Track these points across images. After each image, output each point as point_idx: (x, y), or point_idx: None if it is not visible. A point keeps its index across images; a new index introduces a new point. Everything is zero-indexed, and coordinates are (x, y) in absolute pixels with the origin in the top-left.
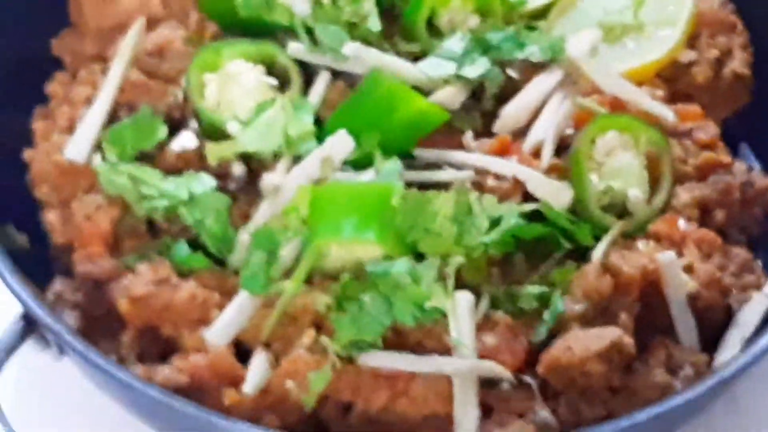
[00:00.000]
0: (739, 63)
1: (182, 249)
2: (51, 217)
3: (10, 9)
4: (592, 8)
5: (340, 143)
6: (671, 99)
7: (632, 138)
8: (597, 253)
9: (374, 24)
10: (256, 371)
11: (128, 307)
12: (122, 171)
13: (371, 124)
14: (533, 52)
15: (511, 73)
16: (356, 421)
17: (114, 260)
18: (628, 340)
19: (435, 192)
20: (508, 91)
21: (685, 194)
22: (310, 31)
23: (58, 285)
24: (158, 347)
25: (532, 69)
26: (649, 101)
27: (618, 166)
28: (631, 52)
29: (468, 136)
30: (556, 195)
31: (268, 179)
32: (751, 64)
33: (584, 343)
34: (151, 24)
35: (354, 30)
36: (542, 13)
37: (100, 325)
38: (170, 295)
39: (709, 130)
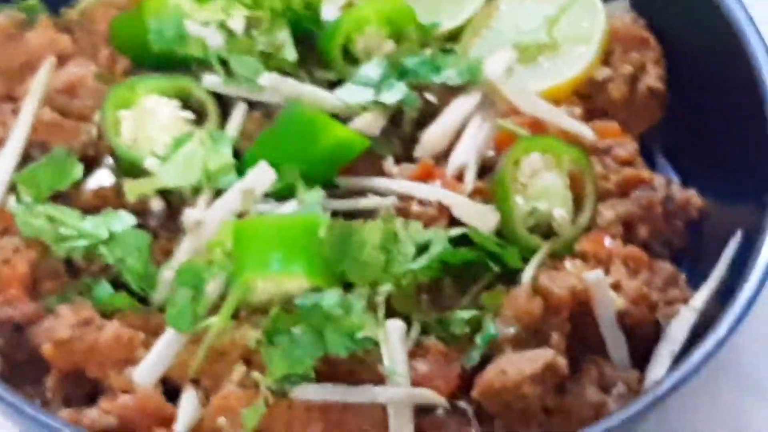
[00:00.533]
0: (653, 78)
1: (104, 289)
2: None
3: None
4: (505, 28)
5: (261, 175)
6: (588, 116)
7: (554, 158)
8: (526, 276)
9: (290, 53)
10: (187, 409)
11: (52, 351)
12: (39, 212)
13: (292, 155)
14: (450, 75)
15: (429, 97)
16: None
17: (34, 303)
18: (562, 361)
19: (361, 221)
20: (427, 115)
21: (608, 211)
22: (224, 63)
23: None
24: (84, 389)
25: (450, 92)
26: (568, 120)
27: (542, 187)
28: (547, 71)
29: (389, 162)
30: (482, 218)
31: (189, 214)
32: (665, 79)
33: (518, 365)
34: (61, 61)
35: (269, 60)
36: (455, 35)
37: (22, 370)
38: (94, 337)
39: (627, 147)
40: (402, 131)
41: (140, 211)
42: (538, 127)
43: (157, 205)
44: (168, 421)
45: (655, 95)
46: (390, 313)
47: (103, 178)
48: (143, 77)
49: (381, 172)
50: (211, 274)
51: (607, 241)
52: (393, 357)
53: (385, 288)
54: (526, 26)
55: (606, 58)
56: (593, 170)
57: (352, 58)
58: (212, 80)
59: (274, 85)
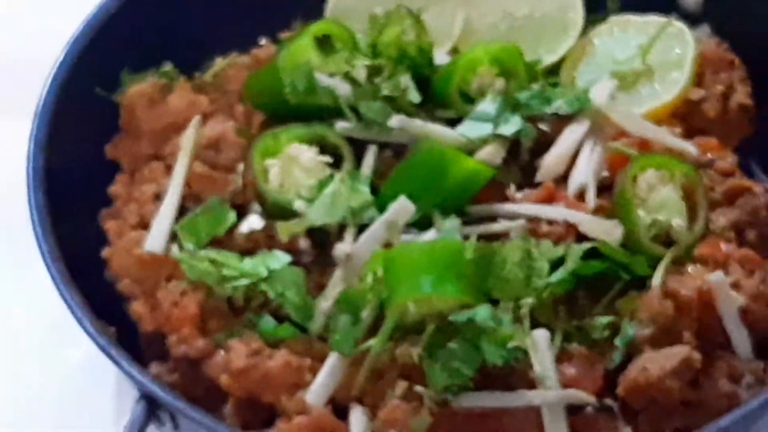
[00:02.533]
0: (742, 95)
1: (269, 322)
2: (138, 308)
3: (63, 121)
4: (602, 60)
5: (402, 208)
6: (688, 134)
7: (668, 173)
8: (656, 280)
9: (413, 96)
10: (358, 425)
11: (230, 380)
12: (201, 257)
13: (426, 187)
14: (560, 105)
15: (543, 126)
16: None
17: (205, 340)
18: (697, 356)
19: (500, 243)
20: (542, 143)
21: (720, 219)
22: (353, 109)
23: (154, 368)
24: (260, 415)
25: (561, 121)
26: (673, 138)
27: (660, 200)
28: (646, 96)
29: (512, 189)
30: (608, 232)
31: (340, 248)
32: (751, 95)
33: (658, 362)
34: (202, 120)
35: (392, 103)
36: (554, 69)
37: (198, 402)
38: (266, 365)
39: (728, 159)
40: (520, 160)
41: (290, 249)
42: (645, 146)
43: (304, 243)
44: None
45: (745, 111)
46: (533, 324)
47: (254, 222)
48: (285, 128)
49: (505, 199)
50: (366, 301)
51: (723, 246)
52: (542, 363)
53: (527, 301)
54: (620, 56)
55: (698, 80)
56: (703, 182)
57: (467, 97)
58: (344, 126)
59: (402, 126)
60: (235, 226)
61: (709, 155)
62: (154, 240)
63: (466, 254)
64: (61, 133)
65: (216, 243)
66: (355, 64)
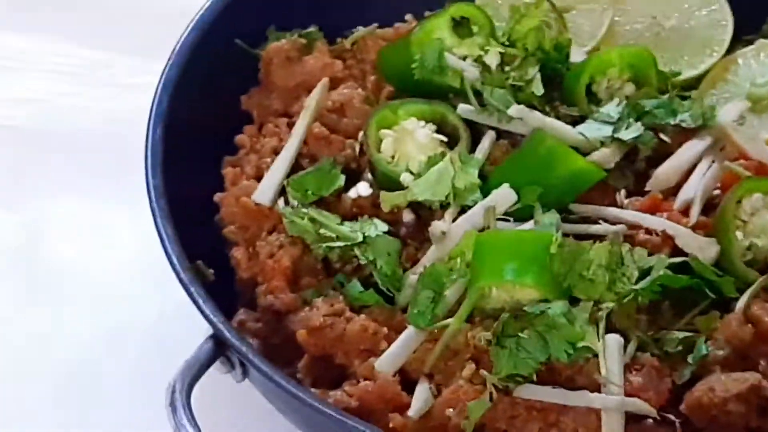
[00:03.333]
0: None
1: (356, 286)
2: (237, 254)
3: (206, 70)
4: (741, 81)
5: (504, 196)
6: None
7: None
8: (740, 304)
9: (537, 88)
10: (420, 398)
11: (306, 336)
12: (304, 214)
13: (532, 179)
14: (685, 118)
15: (663, 137)
16: None
17: (293, 295)
18: (767, 384)
19: (590, 242)
20: (660, 153)
21: None
22: (477, 94)
23: (241, 315)
24: (330, 375)
25: (683, 134)
26: None
27: (761, 225)
28: None
29: (621, 194)
30: (703, 249)
31: (436, 226)
32: None
33: (726, 385)
34: (334, 83)
35: (518, 93)
36: (694, 84)
37: (277, 353)
38: (344, 327)
39: None
40: (635, 167)
41: (392, 221)
42: (763, 171)
43: (407, 216)
44: (402, 408)
45: None
46: (610, 328)
47: (362, 189)
48: (405, 101)
49: (613, 203)
50: (450, 280)
51: None
52: (610, 367)
53: (607, 305)
54: (761, 80)
55: None
56: None
57: (594, 98)
58: (466, 108)
59: (521, 116)
60: (344, 190)
61: None
62: (263, 192)
63: (551, 248)
64: (191, 77)
65: (323, 204)
66: (488, 49)
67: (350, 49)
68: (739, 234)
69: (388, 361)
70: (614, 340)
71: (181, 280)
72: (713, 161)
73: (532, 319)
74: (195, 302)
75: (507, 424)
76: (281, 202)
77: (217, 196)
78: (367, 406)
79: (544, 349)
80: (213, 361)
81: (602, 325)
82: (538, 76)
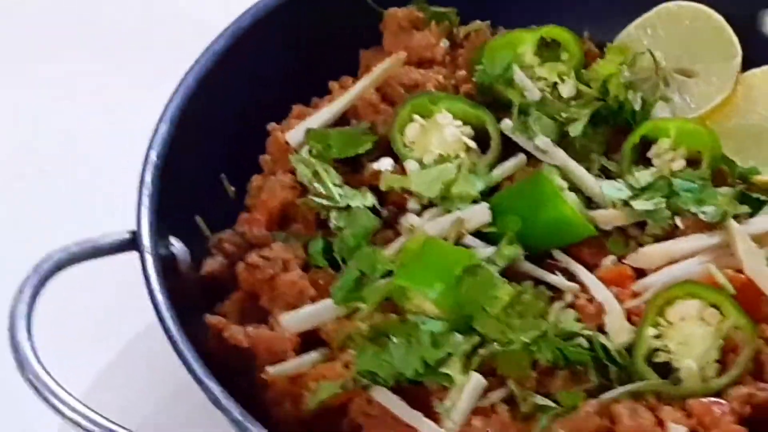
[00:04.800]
0: None
1: (318, 244)
2: (255, 182)
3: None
4: None
5: (478, 213)
6: None
7: (719, 316)
8: (607, 395)
9: (574, 130)
10: (295, 363)
11: (242, 269)
12: (310, 163)
13: (517, 212)
14: (707, 210)
15: (678, 221)
16: None
17: (266, 232)
18: None
19: (505, 281)
20: (665, 234)
21: (742, 389)
22: (523, 112)
23: (225, 234)
24: (256, 316)
25: (697, 224)
26: None
27: (683, 336)
28: None
29: (607, 261)
30: (618, 333)
31: (408, 218)
32: None
33: None
34: (428, 65)
35: (564, 128)
36: None
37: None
38: (277, 274)
39: None
40: (640, 239)
41: (397, 203)
42: (747, 292)
43: (413, 204)
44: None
45: None
46: (487, 370)
47: (384, 163)
48: (450, 96)
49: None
50: (382, 267)
51: (717, 410)
52: (458, 403)
53: (495, 346)
54: None
55: None
56: (757, 348)
57: (647, 162)
58: (507, 124)
59: (547, 149)
60: (371, 158)
61: None
62: (296, 133)
63: (455, 268)
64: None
65: (349, 165)
66: (565, 79)
67: (460, 39)
68: (651, 331)
69: (294, 320)
70: (476, 379)
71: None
72: (705, 262)
73: (410, 329)
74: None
75: (363, 421)
76: (306, 148)
77: (271, 126)
78: (255, 352)
79: (403, 359)
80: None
81: (475, 361)
82: (585, 119)
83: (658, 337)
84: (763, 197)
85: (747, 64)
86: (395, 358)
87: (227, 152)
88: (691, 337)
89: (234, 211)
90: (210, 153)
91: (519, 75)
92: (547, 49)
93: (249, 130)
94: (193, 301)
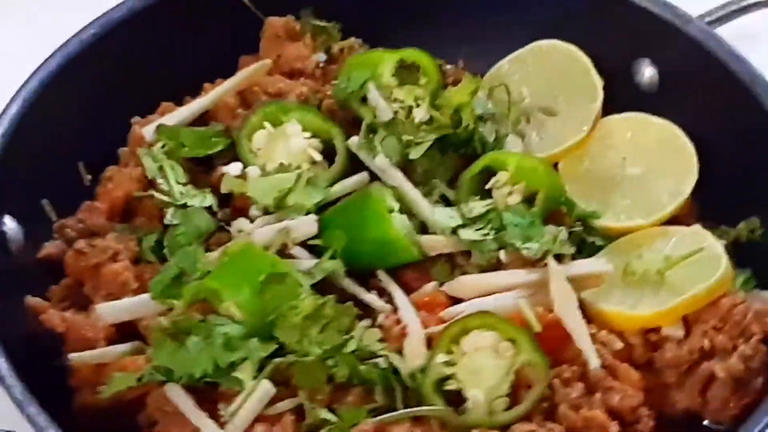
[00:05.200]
0: (725, 369)
1: (150, 240)
2: (108, 173)
3: None
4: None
5: (305, 225)
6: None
7: (512, 350)
8: (388, 416)
9: (415, 153)
10: (99, 352)
11: (69, 256)
12: (158, 158)
13: (345, 228)
14: (531, 248)
15: (502, 255)
16: None
17: (106, 222)
18: None
19: (311, 293)
20: (491, 266)
21: (527, 426)
22: (372, 130)
23: (70, 220)
24: (80, 303)
25: (518, 258)
26: (586, 340)
27: (475, 364)
28: (646, 301)
29: (429, 286)
30: (411, 358)
31: (239, 223)
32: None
33: None
34: (298, 76)
35: (407, 150)
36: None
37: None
38: (102, 263)
39: (629, 399)
40: (463, 269)
41: (241, 207)
42: (551, 331)
43: (255, 211)
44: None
45: (721, 384)
46: (281, 379)
47: (233, 168)
48: (302, 107)
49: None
50: (202, 267)
51: None
52: (241, 408)
53: (289, 357)
54: (650, 257)
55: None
56: (547, 385)
57: (486, 193)
58: (353, 141)
59: (384, 169)
60: (219, 161)
61: (612, 383)
62: (151, 127)
63: (261, 274)
64: None
65: (201, 165)
66: (419, 103)
67: (337, 53)
68: (442, 357)
69: (109, 309)
70: (265, 386)
71: None
72: (518, 297)
73: (209, 329)
74: None
75: (158, 417)
76: (160, 144)
77: (134, 119)
78: (66, 336)
79: (195, 358)
80: None
81: (268, 369)
82: (427, 145)
83: (450, 364)
84: (599, 242)
85: (616, 109)
86: (189, 356)
87: (91, 141)
88: (481, 367)
89: (90, 199)
90: (68, 140)
91: (373, 93)
92: (407, 72)
93: (119, 122)
94: (24, 282)
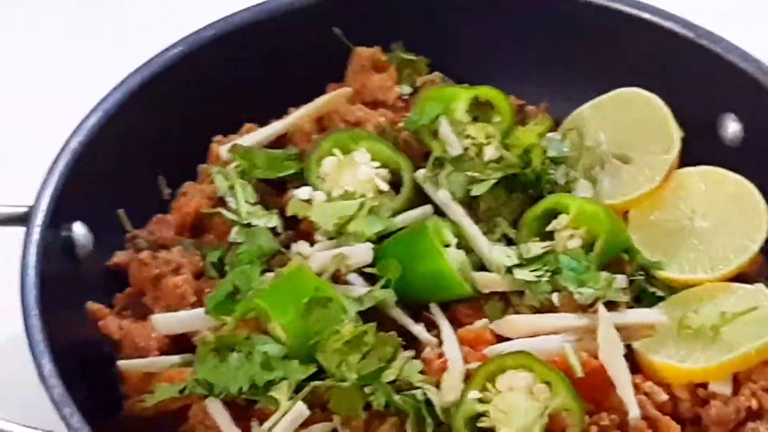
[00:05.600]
0: None
1: (213, 255)
2: (186, 188)
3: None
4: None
5: (360, 253)
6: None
7: (547, 392)
8: None
9: (477, 189)
10: (148, 361)
11: (133, 266)
12: (230, 178)
13: (399, 258)
14: (584, 292)
15: (555, 298)
16: None
17: (175, 235)
18: None
19: (357, 319)
20: (544, 307)
21: None
22: (440, 163)
23: (142, 231)
24: (142, 312)
25: (572, 304)
26: (627, 389)
27: (509, 404)
28: (697, 355)
29: (479, 323)
30: (446, 393)
31: (299, 246)
32: None
33: None
34: (379, 106)
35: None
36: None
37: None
38: (163, 274)
39: None
40: (515, 309)
41: (305, 231)
42: (597, 376)
43: (320, 236)
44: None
45: None
46: (319, 402)
47: (303, 192)
48: (372, 137)
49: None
50: (256, 285)
51: None
52: (275, 428)
53: (328, 381)
54: (708, 313)
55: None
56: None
57: (548, 235)
58: (421, 174)
59: (444, 203)
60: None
61: None
62: (227, 147)
63: (305, 297)
64: None
65: (274, 186)
66: (490, 141)
67: (418, 87)
68: (475, 393)
69: (163, 321)
70: (299, 408)
71: None
72: (564, 341)
73: (251, 346)
74: None
75: (198, 430)
76: (235, 164)
77: (217, 139)
78: (120, 342)
79: (234, 374)
80: None
81: (305, 391)
82: (491, 183)
83: (484, 401)
84: (660, 292)
85: (696, 162)
86: (229, 372)
87: (172, 157)
88: (515, 407)
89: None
90: (148, 154)
91: (445, 128)
92: (481, 109)
93: (202, 139)
94: (88, 288)
